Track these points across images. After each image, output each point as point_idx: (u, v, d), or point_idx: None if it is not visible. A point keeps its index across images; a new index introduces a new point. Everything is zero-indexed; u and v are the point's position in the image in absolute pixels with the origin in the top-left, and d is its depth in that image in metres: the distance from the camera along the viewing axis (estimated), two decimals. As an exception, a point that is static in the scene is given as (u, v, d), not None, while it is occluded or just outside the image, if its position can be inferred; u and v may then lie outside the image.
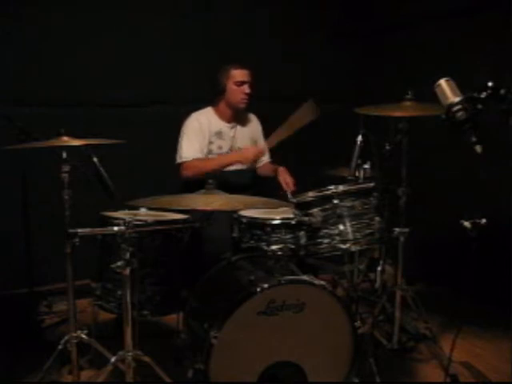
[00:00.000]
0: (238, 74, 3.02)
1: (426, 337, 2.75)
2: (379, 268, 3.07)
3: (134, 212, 2.33)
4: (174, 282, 2.38)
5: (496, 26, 3.10)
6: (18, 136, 2.46)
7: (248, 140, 3.17)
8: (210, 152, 3.05)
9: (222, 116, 3.11)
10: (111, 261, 2.05)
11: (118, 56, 3.40)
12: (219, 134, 3.07)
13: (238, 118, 3.15)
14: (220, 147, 3.07)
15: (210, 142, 3.05)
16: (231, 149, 3.09)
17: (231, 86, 3.02)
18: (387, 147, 2.53)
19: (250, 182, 3.09)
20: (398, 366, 2.61)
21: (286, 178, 3.06)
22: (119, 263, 1.95)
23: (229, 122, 3.12)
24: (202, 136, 3.01)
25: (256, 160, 3.09)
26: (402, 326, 2.75)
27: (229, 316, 1.91)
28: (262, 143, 3.29)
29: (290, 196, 2.64)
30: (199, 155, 2.98)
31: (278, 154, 3.39)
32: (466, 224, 1.99)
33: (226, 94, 3.05)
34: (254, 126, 3.26)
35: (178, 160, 2.99)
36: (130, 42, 3.41)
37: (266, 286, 1.94)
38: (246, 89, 3.02)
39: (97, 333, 2.40)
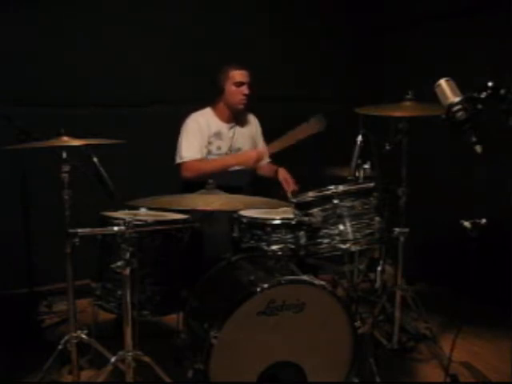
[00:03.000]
0: (237, 75, 3.02)
1: (426, 337, 2.75)
2: (379, 268, 3.06)
3: (134, 212, 2.33)
4: (174, 282, 2.38)
5: (496, 26, 3.10)
6: (17, 136, 2.46)
7: (247, 140, 3.17)
8: (209, 152, 3.05)
9: (220, 116, 3.11)
10: (111, 261, 2.05)
11: (118, 56, 3.40)
12: (218, 135, 3.08)
13: (236, 118, 3.15)
14: (219, 147, 3.07)
15: (209, 143, 3.05)
16: (230, 149, 3.09)
17: (230, 87, 3.03)
18: (387, 147, 2.53)
19: (248, 182, 3.09)
20: (398, 366, 2.61)
21: (286, 178, 3.08)
22: (119, 263, 1.95)
23: (228, 122, 3.12)
24: (200, 136, 3.01)
25: (257, 163, 3.03)
26: (402, 326, 2.74)
27: (229, 316, 1.91)
28: (262, 143, 3.30)
29: (290, 196, 2.66)
30: (198, 156, 2.98)
31: (279, 154, 3.39)
32: (466, 224, 2.00)
33: (225, 95, 3.05)
34: (253, 126, 3.27)
35: (178, 160, 2.99)
36: (129, 41, 3.41)
37: (265, 285, 1.94)
38: (245, 89, 3.02)
39: (97, 333, 2.39)
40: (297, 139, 2.80)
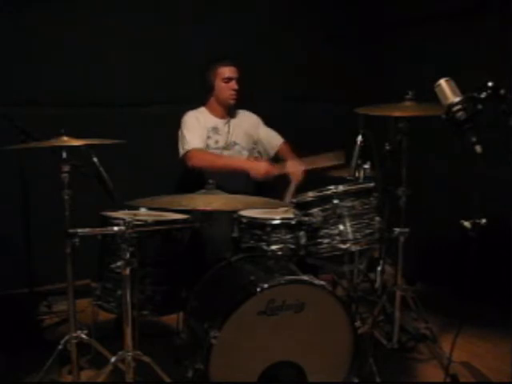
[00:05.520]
0: (226, 71, 3.06)
1: (425, 337, 2.75)
2: (379, 268, 3.07)
3: (134, 212, 2.33)
4: (174, 282, 2.38)
5: (496, 26, 3.10)
6: (18, 136, 2.46)
7: (243, 135, 3.17)
8: (207, 147, 3.06)
9: (214, 113, 3.14)
10: (111, 261, 2.05)
11: (118, 56, 3.40)
12: (215, 130, 3.10)
13: (230, 113, 3.18)
14: (216, 142, 3.09)
15: (208, 137, 3.07)
16: (226, 143, 3.11)
17: (219, 83, 3.06)
18: (387, 147, 2.53)
19: (248, 185, 3.03)
20: (398, 366, 2.60)
21: (296, 172, 2.94)
22: (119, 263, 1.95)
23: (222, 118, 3.15)
24: (200, 129, 3.04)
25: (264, 178, 2.85)
26: (402, 326, 2.74)
27: (229, 316, 1.91)
28: (263, 132, 3.28)
29: (292, 187, 2.76)
30: (202, 145, 3.00)
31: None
32: (466, 224, 1.99)
33: (215, 92, 3.09)
34: (249, 120, 3.26)
35: (182, 151, 2.99)
36: (129, 41, 3.41)
37: (265, 286, 1.94)
38: (234, 85, 3.05)
39: (97, 333, 2.39)
40: (317, 165, 2.82)
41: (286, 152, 3.24)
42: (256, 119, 3.30)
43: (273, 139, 3.28)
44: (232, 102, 3.10)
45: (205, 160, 2.94)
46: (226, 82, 3.05)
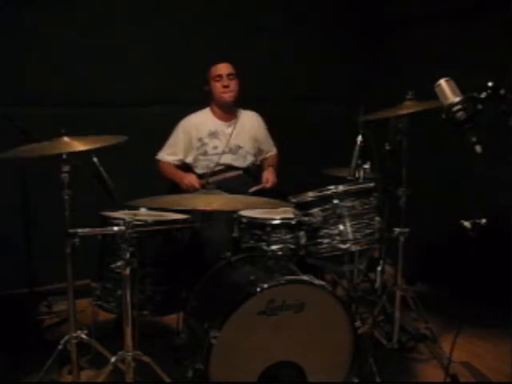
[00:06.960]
0: (215, 70, 3.06)
1: (425, 337, 2.75)
2: (379, 268, 3.06)
3: (134, 212, 2.33)
4: (174, 282, 2.38)
5: (496, 26, 3.10)
6: (18, 136, 2.46)
7: (246, 138, 3.14)
8: (205, 153, 3.05)
9: (217, 116, 3.12)
10: (111, 261, 2.05)
11: (118, 56, 3.40)
12: (214, 134, 3.07)
13: (234, 115, 3.15)
14: (215, 147, 3.07)
15: (204, 144, 3.06)
16: (228, 147, 3.07)
17: (212, 84, 3.07)
18: (387, 147, 2.53)
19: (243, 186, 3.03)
20: (398, 366, 2.60)
21: (268, 175, 3.10)
22: (119, 263, 1.95)
23: (225, 120, 3.12)
24: (183, 145, 3.10)
25: (186, 188, 2.98)
26: (402, 326, 2.74)
27: (229, 316, 1.91)
28: (268, 141, 3.30)
29: (252, 189, 2.88)
30: (170, 158, 3.12)
31: (280, 154, 3.39)
32: (466, 224, 1.99)
33: (212, 94, 3.09)
34: (255, 123, 3.23)
35: (158, 155, 3.16)
36: (130, 41, 3.41)
37: (265, 286, 1.94)
38: (225, 81, 3.03)
39: (97, 333, 2.39)
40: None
41: (269, 162, 3.29)
42: (262, 124, 3.28)
43: (266, 148, 3.30)
44: (228, 100, 3.05)
45: (162, 171, 3.14)
46: (217, 81, 3.04)
